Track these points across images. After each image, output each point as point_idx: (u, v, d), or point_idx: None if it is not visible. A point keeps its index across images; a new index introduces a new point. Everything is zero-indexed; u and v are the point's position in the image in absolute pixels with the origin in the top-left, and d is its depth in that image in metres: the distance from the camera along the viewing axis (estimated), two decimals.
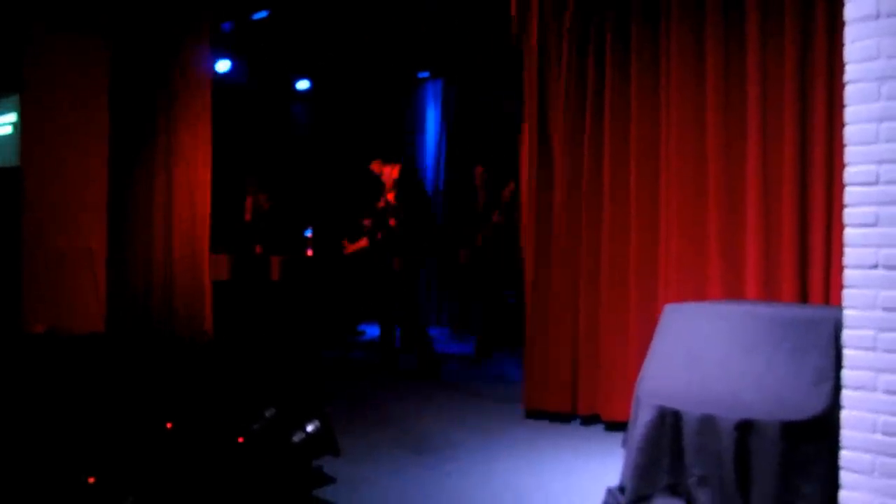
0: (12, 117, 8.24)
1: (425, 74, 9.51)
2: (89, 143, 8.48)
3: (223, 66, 9.22)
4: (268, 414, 3.59)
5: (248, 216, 9.89)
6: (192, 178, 7.87)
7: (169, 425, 3.99)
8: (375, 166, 6.56)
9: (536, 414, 4.67)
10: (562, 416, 4.59)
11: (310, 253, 8.07)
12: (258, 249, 8.99)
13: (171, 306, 8.02)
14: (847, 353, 2.51)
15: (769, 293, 3.79)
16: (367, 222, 6.60)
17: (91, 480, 4.08)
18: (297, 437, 3.39)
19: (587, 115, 4.55)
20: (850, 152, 2.53)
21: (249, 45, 9.06)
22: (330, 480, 3.44)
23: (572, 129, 4.59)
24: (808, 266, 3.70)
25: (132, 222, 8.51)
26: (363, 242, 6.62)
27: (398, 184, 6.36)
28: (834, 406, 2.60)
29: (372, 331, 7.84)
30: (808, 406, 2.71)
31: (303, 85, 10.36)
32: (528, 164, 4.83)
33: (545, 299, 4.69)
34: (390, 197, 6.37)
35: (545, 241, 4.71)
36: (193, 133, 7.85)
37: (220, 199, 10.19)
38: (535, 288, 4.74)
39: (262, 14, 7.34)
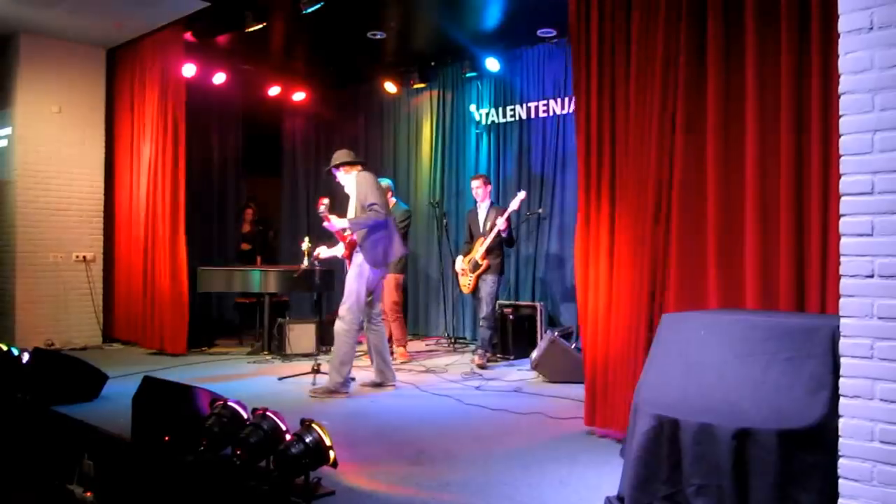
0: (8, 130, 8.23)
1: (421, 83, 9.53)
2: (85, 153, 8.50)
3: (219, 78, 9.26)
4: (265, 426, 3.58)
5: (247, 227, 9.92)
6: (169, 192, 7.99)
7: (167, 438, 3.99)
8: (338, 175, 6.00)
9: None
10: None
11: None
12: (258, 261, 9.00)
13: (147, 319, 8.15)
14: (844, 362, 2.53)
15: (767, 302, 3.80)
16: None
17: (88, 494, 4.07)
18: (294, 450, 3.39)
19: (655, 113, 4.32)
20: (846, 162, 2.55)
21: (244, 56, 9.09)
22: (328, 493, 3.43)
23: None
24: (805, 275, 3.72)
25: (121, 233, 8.56)
26: (337, 251, 6.13)
27: (356, 193, 5.80)
28: (831, 414, 2.61)
29: None
30: (805, 414, 2.72)
31: (298, 96, 10.39)
32: (585, 164, 4.60)
33: None
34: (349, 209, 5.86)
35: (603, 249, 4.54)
36: (167, 147, 7.98)
37: (217, 211, 10.27)
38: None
39: (256, 27, 7.32)
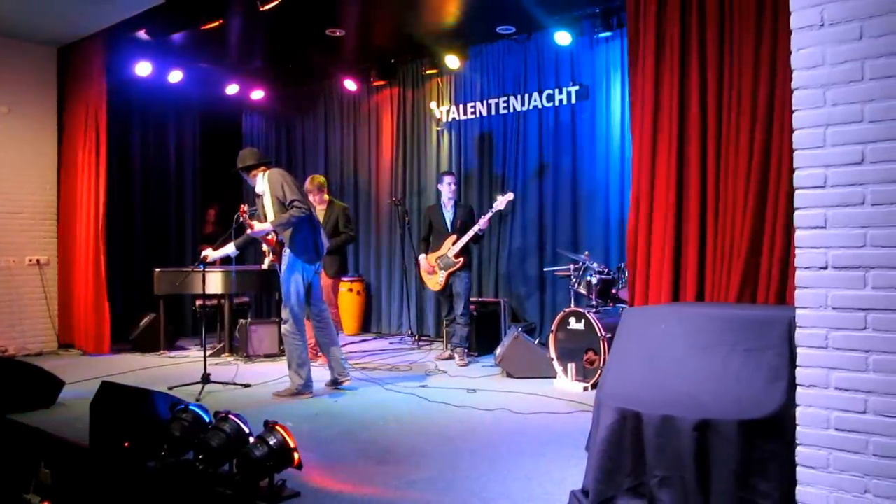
0: None
1: (381, 81, 9.49)
2: (37, 154, 8.30)
3: (175, 76, 9.11)
4: (228, 429, 3.54)
5: (210, 228, 9.76)
6: (92, 193, 8.05)
7: (126, 444, 3.91)
8: (254, 175, 5.79)
9: None
10: None
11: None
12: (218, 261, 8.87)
13: (73, 321, 8.26)
14: (800, 352, 2.58)
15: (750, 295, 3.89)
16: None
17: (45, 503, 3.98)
18: (258, 452, 3.35)
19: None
20: (799, 156, 2.60)
21: (202, 54, 8.94)
22: (294, 494, 3.40)
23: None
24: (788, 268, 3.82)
25: (75, 235, 8.44)
26: (228, 251, 5.92)
27: (271, 192, 5.64)
28: (789, 403, 2.67)
29: None
30: (764, 404, 2.77)
31: (257, 95, 10.28)
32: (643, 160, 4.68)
33: None
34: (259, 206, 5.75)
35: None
36: (89, 147, 8.12)
37: (175, 212, 10.08)
38: None
39: (213, 24, 7.21)
